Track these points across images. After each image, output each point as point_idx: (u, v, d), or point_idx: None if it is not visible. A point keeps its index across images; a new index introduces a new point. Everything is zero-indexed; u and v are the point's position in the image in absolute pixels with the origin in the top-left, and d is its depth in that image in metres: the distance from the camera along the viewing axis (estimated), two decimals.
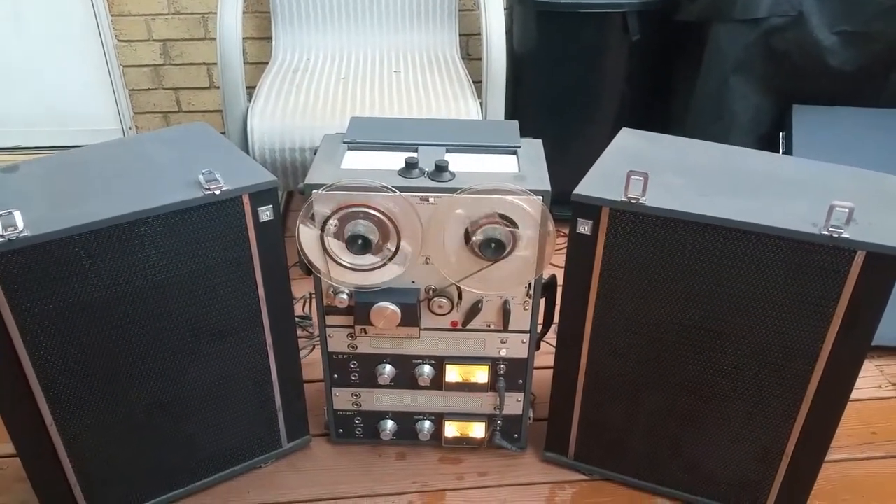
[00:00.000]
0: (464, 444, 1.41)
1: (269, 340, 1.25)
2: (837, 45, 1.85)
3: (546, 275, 1.24)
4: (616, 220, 1.09)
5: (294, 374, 1.32)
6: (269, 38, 2.25)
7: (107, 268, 1.04)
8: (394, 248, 1.16)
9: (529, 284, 1.21)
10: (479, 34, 2.02)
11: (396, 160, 1.17)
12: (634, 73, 2.04)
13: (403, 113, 1.83)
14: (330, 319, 1.27)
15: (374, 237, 1.14)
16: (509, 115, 2.01)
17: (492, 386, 1.33)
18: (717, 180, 1.15)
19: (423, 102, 1.87)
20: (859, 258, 1.00)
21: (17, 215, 0.97)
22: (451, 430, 1.39)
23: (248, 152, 1.79)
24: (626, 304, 1.16)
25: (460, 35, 2.28)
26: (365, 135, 1.28)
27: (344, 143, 1.26)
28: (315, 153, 1.24)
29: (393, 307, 1.21)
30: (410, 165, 1.15)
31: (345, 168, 1.19)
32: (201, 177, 1.09)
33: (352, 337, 1.29)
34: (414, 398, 1.36)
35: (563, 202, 1.13)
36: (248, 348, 1.23)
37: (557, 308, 1.24)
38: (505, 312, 1.24)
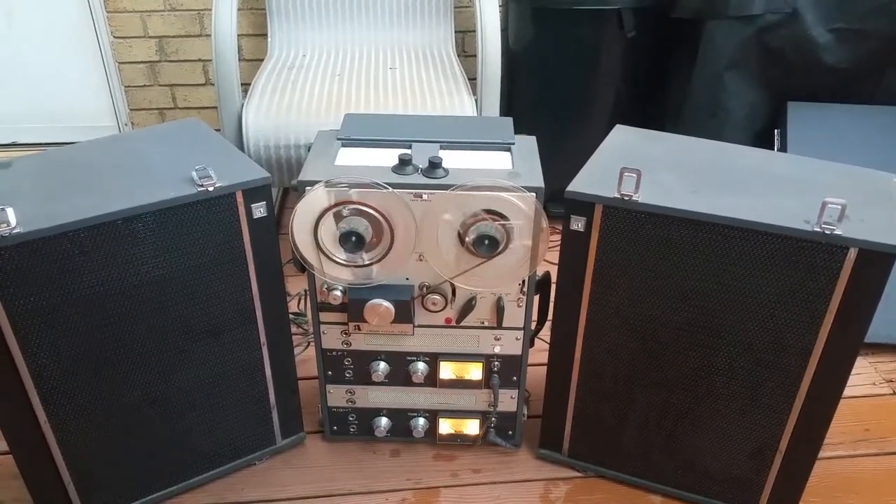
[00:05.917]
0: (458, 441, 1.41)
1: (262, 337, 1.25)
2: (832, 42, 1.85)
3: (540, 272, 1.25)
4: (609, 217, 1.09)
5: (288, 371, 1.32)
6: (265, 35, 2.25)
7: (100, 265, 1.04)
8: (387, 245, 1.16)
9: (523, 281, 1.21)
10: (474, 31, 2.02)
11: (390, 157, 1.17)
12: (629, 70, 2.04)
13: (398, 109, 1.83)
14: (324, 316, 1.27)
15: (367, 234, 1.14)
16: (504, 111, 2.00)
17: (486, 383, 1.33)
18: (710, 177, 1.15)
19: (417, 99, 1.87)
20: (851, 255, 1.00)
21: (10, 212, 0.97)
22: (446, 427, 1.39)
23: (242, 149, 1.78)
24: (620, 300, 1.16)
25: (456, 32, 2.28)
26: (359, 131, 1.28)
27: (338, 139, 1.26)
28: (309, 150, 1.24)
29: (387, 304, 1.21)
30: (404, 162, 1.15)
31: (339, 165, 1.19)
32: (194, 173, 1.08)
33: (346, 334, 1.29)
34: (408, 395, 1.36)
35: (557, 199, 1.13)
36: (242, 345, 1.23)
37: (551, 305, 1.24)
38: (499, 309, 1.24)
